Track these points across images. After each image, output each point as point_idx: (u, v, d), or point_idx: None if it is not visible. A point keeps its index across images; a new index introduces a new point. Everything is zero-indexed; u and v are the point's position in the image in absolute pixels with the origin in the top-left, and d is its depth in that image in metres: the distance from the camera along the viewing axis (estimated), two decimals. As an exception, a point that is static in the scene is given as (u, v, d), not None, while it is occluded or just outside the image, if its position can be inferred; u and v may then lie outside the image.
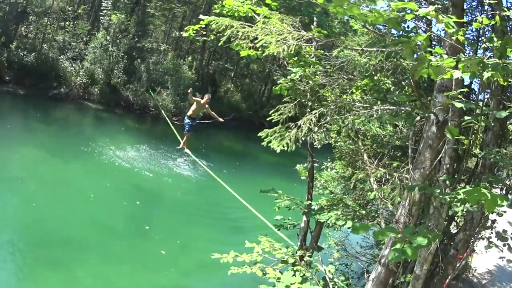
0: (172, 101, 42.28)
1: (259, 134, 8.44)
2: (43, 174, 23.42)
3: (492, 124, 5.64)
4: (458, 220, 11.54)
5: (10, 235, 17.17)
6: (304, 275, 8.50)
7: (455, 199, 4.35)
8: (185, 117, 18.09)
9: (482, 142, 8.42)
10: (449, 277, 7.72)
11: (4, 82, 36.92)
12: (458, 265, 8.24)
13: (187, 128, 17.81)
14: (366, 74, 8.79)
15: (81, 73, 41.11)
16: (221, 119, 18.46)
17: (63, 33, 43.38)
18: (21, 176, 22.02)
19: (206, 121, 19.02)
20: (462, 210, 6.56)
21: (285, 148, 7.98)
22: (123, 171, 27.20)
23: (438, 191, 5.26)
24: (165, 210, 23.33)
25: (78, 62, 41.96)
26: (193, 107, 17.64)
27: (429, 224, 6.50)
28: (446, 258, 8.91)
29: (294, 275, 8.35)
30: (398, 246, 4.19)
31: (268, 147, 8.11)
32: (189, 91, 17.55)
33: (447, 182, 6.15)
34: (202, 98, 17.74)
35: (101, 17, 43.62)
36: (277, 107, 8.47)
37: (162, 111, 27.38)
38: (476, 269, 14.40)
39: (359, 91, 9.30)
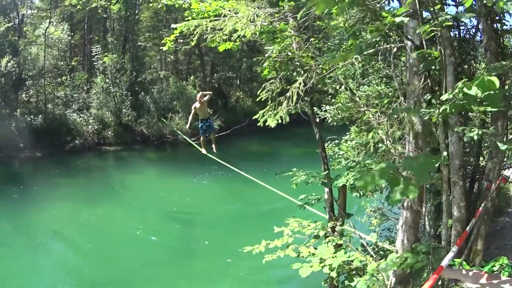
0: (186, 123, 42.14)
1: (254, 117, 8.31)
2: (85, 221, 24.09)
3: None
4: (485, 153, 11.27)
5: (75, 279, 17.81)
6: (337, 244, 8.34)
7: (434, 112, 4.15)
8: (198, 123, 17.96)
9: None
10: (482, 205, 7.45)
11: (20, 149, 37.41)
12: (489, 193, 7.98)
13: (201, 132, 17.77)
14: (348, 34, 8.65)
15: (90, 121, 41.53)
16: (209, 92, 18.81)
17: (63, 88, 44.06)
18: (65, 227, 22.89)
19: (224, 132, 19.01)
20: (478, 134, 6.27)
21: (280, 121, 7.88)
22: (159, 200, 27.65)
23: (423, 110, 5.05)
24: (215, 223, 23.67)
25: (85, 111, 42.45)
26: (199, 113, 17.52)
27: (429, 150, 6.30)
28: (482, 192, 8.68)
29: (327, 246, 8.20)
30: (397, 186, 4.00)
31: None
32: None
33: (433, 100, 5.95)
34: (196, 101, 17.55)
35: (94, 63, 43.95)
36: (263, 86, 8.37)
37: (179, 132, 27.56)
38: (522, 200, 13.86)
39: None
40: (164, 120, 38.12)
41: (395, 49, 6.60)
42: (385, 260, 6.85)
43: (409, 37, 6.03)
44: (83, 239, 21.60)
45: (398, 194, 3.91)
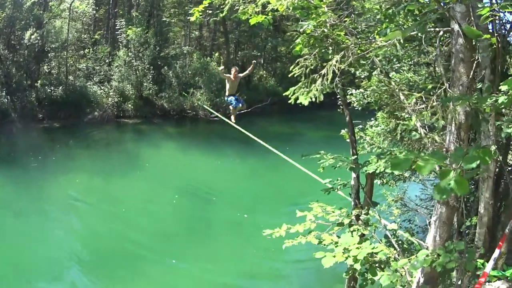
0: (208, 99, 42.13)
1: (284, 93, 7.86)
2: (102, 193, 24.29)
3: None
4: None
5: (90, 249, 17.94)
6: (361, 233, 7.94)
7: (496, 102, 3.74)
8: (226, 98, 18.46)
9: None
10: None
11: (38, 119, 37.86)
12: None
13: (233, 104, 18.08)
14: (385, 17, 8.20)
15: (111, 93, 41.75)
16: (253, 61, 20.25)
17: (85, 60, 44.20)
18: (82, 198, 23.17)
19: (245, 110, 19.07)
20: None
21: (313, 100, 7.41)
22: (178, 174, 27.97)
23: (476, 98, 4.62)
24: (234, 201, 23.51)
25: (106, 84, 42.64)
26: (227, 86, 17.96)
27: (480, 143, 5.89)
28: (511, 191, 8.27)
29: (352, 236, 7.79)
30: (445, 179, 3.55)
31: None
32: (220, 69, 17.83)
33: (486, 89, 5.53)
34: (230, 73, 17.84)
35: (118, 37, 44.09)
36: (297, 61, 7.93)
37: (203, 105, 27.90)
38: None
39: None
40: (186, 94, 38.08)
41: (441, 33, 6.16)
42: (416, 256, 6.42)
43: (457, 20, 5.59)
44: (99, 210, 21.80)
45: (448, 188, 3.47)
